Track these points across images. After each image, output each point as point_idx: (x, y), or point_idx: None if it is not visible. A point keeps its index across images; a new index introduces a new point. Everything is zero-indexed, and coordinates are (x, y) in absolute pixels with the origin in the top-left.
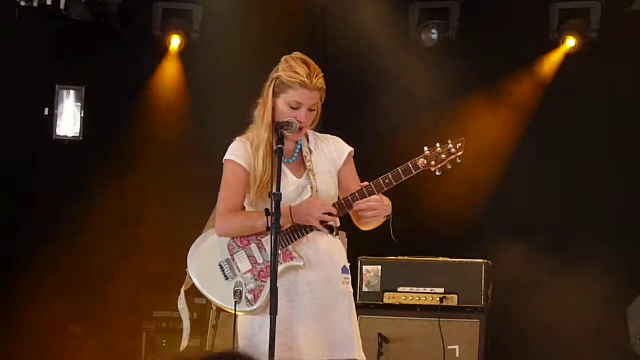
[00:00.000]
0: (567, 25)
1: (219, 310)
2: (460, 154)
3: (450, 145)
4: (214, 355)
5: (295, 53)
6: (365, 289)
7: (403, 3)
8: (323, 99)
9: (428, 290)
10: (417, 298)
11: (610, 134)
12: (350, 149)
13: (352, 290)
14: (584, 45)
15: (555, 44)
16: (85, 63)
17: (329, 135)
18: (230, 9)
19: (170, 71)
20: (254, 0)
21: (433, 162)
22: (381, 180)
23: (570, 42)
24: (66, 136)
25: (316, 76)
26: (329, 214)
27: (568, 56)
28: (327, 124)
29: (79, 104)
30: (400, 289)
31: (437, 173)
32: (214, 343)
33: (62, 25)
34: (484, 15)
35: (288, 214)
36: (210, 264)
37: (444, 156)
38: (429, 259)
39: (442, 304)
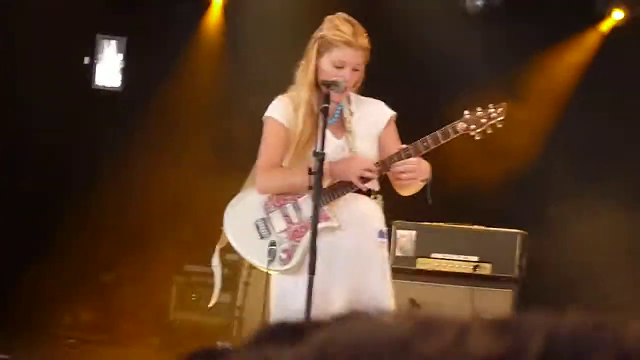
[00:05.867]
0: None
1: (251, 267)
2: (500, 118)
3: (491, 110)
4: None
5: (339, 13)
6: (398, 254)
7: None
8: (367, 60)
9: (462, 257)
10: (451, 265)
11: None
12: (392, 112)
13: (387, 255)
14: (632, 18)
15: (602, 16)
16: (128, 13)
17: (371, 99)
18: None
19: (212, 24)
20: None
21: (473, 126)
22: (419, 143)
23: (618, 15)
24: (104, 86)
25: (361, 35)
26: (369, 170)
27: (615, 29)
28: (371, 90)
29: (121, 54)
30: (433, 255)
31: (477, 137)
32: (245, 300)
33: None
34: None
35: (327, 170)
36: (245, 222)
37: (484, 120)
38: (464, 226)
39: (475, 272)
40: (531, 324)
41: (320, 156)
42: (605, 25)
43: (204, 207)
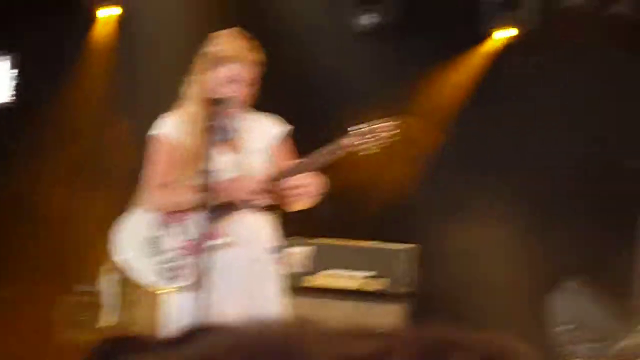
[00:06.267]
0: (504, 15)
1: (140, 286)
2: (389, 133)
3: (379, 125)
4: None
5: (230, 28)
6: (292, 270)
7: None
8: (259, 75)
9: (356, 273)
10: (345, 281)
11: (540, 124)
12: (286, 127)
13: (281, 270)
14: (519, 35)
15: (489, 35)
16: (17, 29)
17: (264, 114)
18: None
19: (103, 40)
20: None
21: (362, 141)
22: (312, 158)
23: (504, 34)
24: None
25: (252, 50)
26: (258, 190)
27: (501, 47)
28: (263, 105)
29: (10, 70)
30: (326, 271)
31: (366, 152)
32: (134, 318)
33: None
34: (419, 1)
35: (217, 190)
36: (136, 240)
37: (372, 135)
38: (357, 241)
39: (369, 288)
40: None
41: (208, 173)
42: (494, 43)
43: (93, 225)
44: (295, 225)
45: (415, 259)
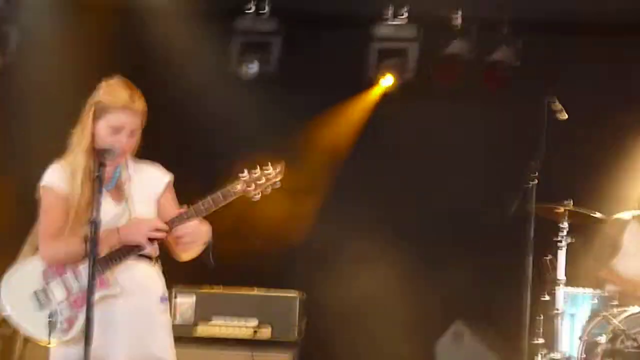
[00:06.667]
0: (385, 64)
1: (27, 340)
2: (278, 178)
3: (268, 170)
4: None
5: (115, 77)
6: (178, 320)
7: (223, 36)
8: (144, 123)
9: (242, 322)
10: (231, 330)
11: (421, 170)
12: (169, 175)
13: (170, 320)
14: (400, 84)
15: (373, 82)
16: None
17: (148, 162)
18: (46, 32)
19: None
20: (69, 25)
21: (251, 187)
22: (200, 205)
23: (387, 81)
24: None
25: (137, 99)
26: (157, 229)
27: (385, 94)
28: (149, 153)
29: None
30: (213, 321)
31: (255, 198)
32: None
33: None
34: (304, 50)
35: (115, 234)
36: (24, 292)
37: (261, 181)
38: (244, 290)
39: (255, 337)
40: None
41: (95, 224)
42: (376, 91)
43: None
44: (181, 274)
45: (300, 306)
